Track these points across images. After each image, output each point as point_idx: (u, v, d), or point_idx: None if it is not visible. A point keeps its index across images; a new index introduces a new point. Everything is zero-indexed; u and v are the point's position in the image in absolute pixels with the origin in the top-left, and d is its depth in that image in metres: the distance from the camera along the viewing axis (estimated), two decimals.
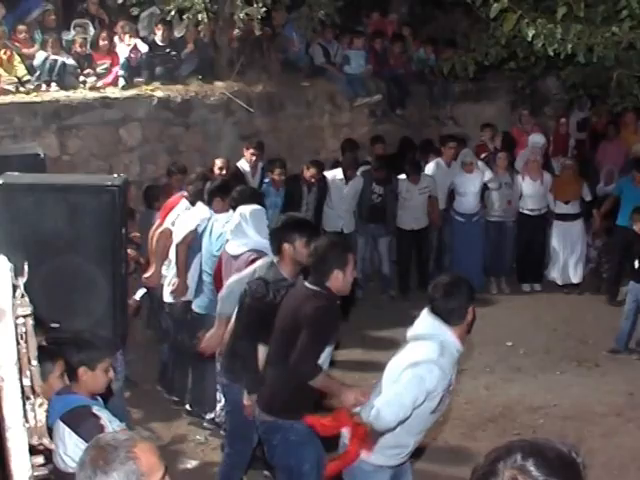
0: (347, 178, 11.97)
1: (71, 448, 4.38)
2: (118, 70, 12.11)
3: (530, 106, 15.37)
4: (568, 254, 12.63)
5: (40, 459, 2.54)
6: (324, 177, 11.85)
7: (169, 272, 8.65)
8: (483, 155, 13.30)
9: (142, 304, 9.33)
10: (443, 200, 12.84)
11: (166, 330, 9.06)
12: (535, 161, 12.71)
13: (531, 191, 12.61)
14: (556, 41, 10.37)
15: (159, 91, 12.15)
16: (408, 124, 14.77)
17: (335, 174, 12.04)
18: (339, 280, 5.66)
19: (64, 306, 5.20)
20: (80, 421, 4.45)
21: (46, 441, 2.52)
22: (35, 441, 2.51)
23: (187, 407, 8.68)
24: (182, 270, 8.38)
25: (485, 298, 11.96)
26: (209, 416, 8.21)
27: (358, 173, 12.13)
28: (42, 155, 8.10)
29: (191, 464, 7.85)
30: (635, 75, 11.33)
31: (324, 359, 5.77)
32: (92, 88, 11.80)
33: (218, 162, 10.87)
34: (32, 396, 2.47)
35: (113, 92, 11.87)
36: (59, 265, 5.16)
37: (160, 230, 8.77)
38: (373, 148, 13.19)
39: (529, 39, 10.50)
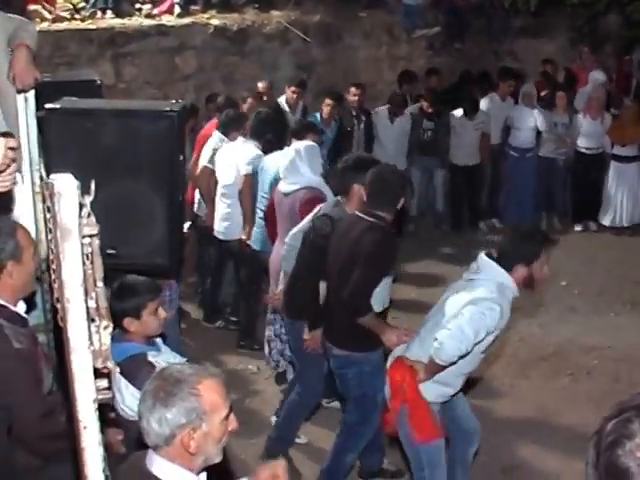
0: (393, 116, 11.73)
1: (129, 399, 4.31)
2: None
3: (590, 43, 15.02)
4: (623, 196, 12.45)
5: (104, 382, 2.52)
6: (369, 113, 11.69)
7: (218, 207, 8.57)
8: (544, 93, 12.97)
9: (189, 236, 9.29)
10: (497, 135, 12.63)
11: (212, 263, 9.05)
12: (598, 99, 12.41)
13: (590, 130, 12.35)
14: None
15: (215, 19, 12.07)
16: (466, 58, 14.51)
17: (381, 111, 11.81)
18: (357, 196, 5.81)
19: (121, 232, 5.15)
20: (136, 371, 4.30)
21: (110, 364, 2.49)
22: (99, 364, 2.47)
23: (241, 342, 8.69)
24: (249, 218, 8.25)
25: None
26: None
27: (407, 112, 11.87)
28: (99, 81, 8.04)
29: (245, 393, 7.89)
30: None
31: (384, 292, 5.74)
32: (148, 15, 11.72)
33: (260, 85, 10.78)
34: (97, 318, 2.43)
35: (169, 20, 11.80)
36: (117, 190, 5.10)
37: (199, 169, 8.69)
38: (428, 81, 12.98)
39: None
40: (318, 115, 10.81)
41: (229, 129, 8.57)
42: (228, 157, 8.36)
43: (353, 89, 11.44)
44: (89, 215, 2.36)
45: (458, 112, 12.12)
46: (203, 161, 8.64)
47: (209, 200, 8.65)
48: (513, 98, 12.74)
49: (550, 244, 5.23)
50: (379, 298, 5.77)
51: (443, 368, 5.11)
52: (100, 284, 2.44)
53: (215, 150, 8.55)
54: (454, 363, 5.08)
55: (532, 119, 12.37)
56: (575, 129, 12.41)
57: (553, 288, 10.29)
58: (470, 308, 4.99)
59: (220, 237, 8.61)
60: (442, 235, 12.29)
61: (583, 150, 12.48)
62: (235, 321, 8.99)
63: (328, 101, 10.77)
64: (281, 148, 8.00)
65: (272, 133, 8.38)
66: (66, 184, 2.35)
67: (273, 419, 7.01)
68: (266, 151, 8.20)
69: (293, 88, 11.09)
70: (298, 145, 7.27)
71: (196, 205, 8.97)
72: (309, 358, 6.34)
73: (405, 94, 12.17)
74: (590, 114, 12.34)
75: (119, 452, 4.40)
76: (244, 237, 8.31)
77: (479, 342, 5.03)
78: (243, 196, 8.24)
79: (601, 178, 12.64)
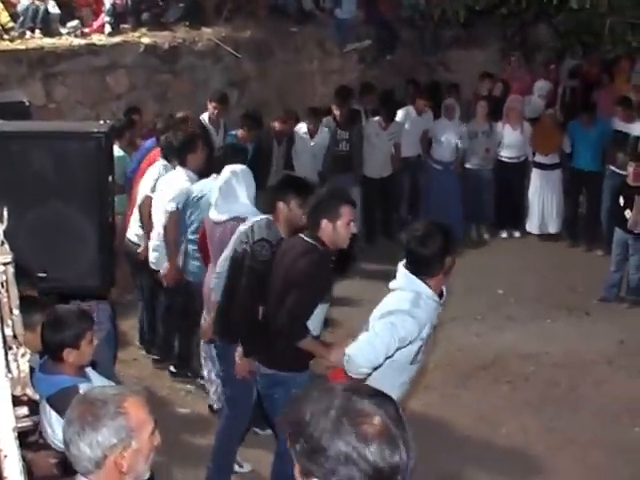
0: (311, 132, 11.54)
1: (60, 432, 4.22)
2: (104, 16, 11.93)
3: (521, 53, 15.22)
4: (547, 203, 12.64)
5: (24, 410, 2.48)
6: (292, 131, 11.52)
7: (153, 237, 8.36)
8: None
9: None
10: (414, 148, 12.68)
11: (145, 289, 8.94)
12: (515, 109, 12.63)
13: (511, 140, 12.56)
14: None
15: (146, 37, 12.01)
16: (398, 70, 14.63)
17: (301, 127, 11.63)
18: (328, 231, 5.51)
19: (51, 255, 5.11)
20: (67, 404, 4.19)
21: (29, 391, 2.46)
22: (19, 392, 2.44)
23: (171, 369, 8.55)
24: (173, 254, 8.10)
25: (470, 245, 11.97)
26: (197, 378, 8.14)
27: (322, 126, 11.65)
28: (27, 103, 7.97)
29: (181, 412, 7.83)
30: (628, 21, 11.19)
31: (318, 317, 5.71)
32: (77, 35, 11.63)
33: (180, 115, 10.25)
34: (14, 346, 2.40)
35: (99, 39, 11.71)
36: (45, 213, 5.06)
37: (142, 198, 8.50)
38: (362, 96, 12.91)
39: None
40: (235, 132, 10.57)
41: (172, 156, 8.40)
42: (163, 188, 8.20)
43: (277, 123, 11.17)
44: (2, 243, 2.33)
45: (373, 121, 12.16)
46: (146, 189, 8.47)
47: (148, 231, 8.48)
48: (433, 111, 12.84)
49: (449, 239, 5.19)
50: (316, 323, 5.71)
51: (363, 380, 5.09)
52: (16, 312, 2.40)
53: (157, 178, 8.38)
54: (368, 376, 5.05)
55: (453, 133, 12.52)
56: (496, 137, 12.58)
57: (490, 296, 10.41)
58: (381, 321, 5.00)
59: (152, 267, 8.51)
60: (359, 251, 11.56)
61: (505, 159, 12.67)
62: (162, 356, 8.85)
63: (245, 128, 10.50)
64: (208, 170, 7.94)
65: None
66: None
67: None
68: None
69: (214, 104, 10.77)
70: (234, 168, 7.09)
71: (131, 231, 8.81)
72: (240, 383, 6.24)
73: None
74: (510, 124, 12.53)
75: (52, 474, 4.33)
76: (161, 272, 8.22)
77: (395, 352, 5.00)
78: (167, 232, 8.07)
79: (523, 186, 12.84)
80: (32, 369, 3.46)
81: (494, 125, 12.62)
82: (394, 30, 14.58)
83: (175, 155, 8.30)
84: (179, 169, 8.17)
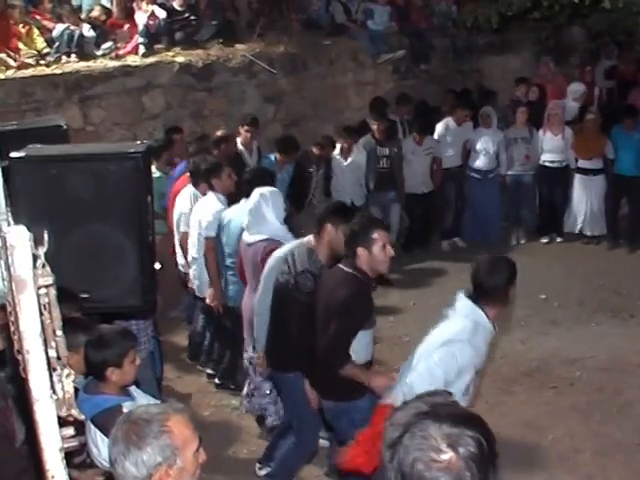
0: (345, 151, 11.52)
1: (105, 452, 4.24)
2: (137, 38, 12.06)
3: (556, 56, 15.15)
4: (588, 208, 12.55)
5: (70, 430, 2.50)
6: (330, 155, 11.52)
7: (192, 263, 8.49)
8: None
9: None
10: (457, 158, 12.63)
11: (202, 307, 8.99)
12: (556, 115, 12.53)
13: (552, 146, 12.46)
14: None
15: (180, 57, 12.12)
16: (433, 79, 14.62)
17: (335, 150, 11.58)
18: (365, 258, 5.55)
19: (92, 276, 5.16)
20: (111, 424, 4.17)
21: (75, 412, 2.48)
22: (64, 412, 2.47)
23: (216, 381, 8.64)
24: (215, 280, 8.13)
25: (510, 251, 11.90)
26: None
27: (359, 145, 11.66)
28: (64, 126, 8.05)
29: (228, 429, 7.85)
30: None
31: (365, 343, 5.72)
32: (112, 57, 11.76)
33: (219, 133, 10.44)
34: (58, 367, 2.43)
35: (134, 60, 11.84)
36: (85, 235, 5.11)
37: (181, 235, 8.63)
38: (399, 107, 12.95)
39: None
40: (272, 156, 10.58)
41: (199, 180, 8.49)
42: (197, 216, 8.28)
43: (315, 149, 11.23)
44: (44, 266, 2.37)
45: (408, 138, 12.20)
46: (182, 225, 8.59)
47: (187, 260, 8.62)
48: (472, 121, 12.80)
49: (514, 271, 5.21)
50: (361, 352, 5.71)
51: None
52: (59, 333, 2.43)
53: (188, 212, 8.47)
54: None
55: (494, 139, 12.47)
56: (536, 143, 12.52)
57: (533, 302, 10.33)
58: (441, 349, 5.00)
59: (197, 294, 8.60)
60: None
61: (547, 164, 12.58)
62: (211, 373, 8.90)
63: (279, 151, 10.51)
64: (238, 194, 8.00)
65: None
66: (18, 236, 2.36)
67: (257, 466, 7.00)
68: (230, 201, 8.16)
69: (246, 127, 10.74)
70: (263, 190, 7.18)
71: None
72: (304, 411, 6.26)
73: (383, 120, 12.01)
74: (551, 130, 12.45)
75: None
76: (208, 300, 8.27)
77: (451, 382, 4.98)
78: (207, 260, 8.12)
79: (565, 191, 12.73)
80: (77, 390, 3.51)
81: (534, 131, 12.57)
82: (427, 39, 14.58)
83: (202, 179, 8.38)
84: (210, 194, 8.25)
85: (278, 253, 6.38)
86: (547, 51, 15.40)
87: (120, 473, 2.97)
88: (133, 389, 4.78)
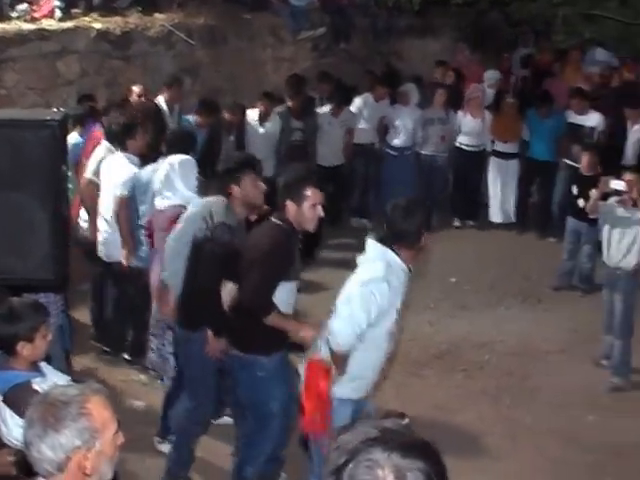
0: (263, 116, 11.47)
1: (15, 430, 4.12)
2: (54, 0, 11.73)
3: (475, 42, 15.26)
4: (503, 192, 12.76)
5: None
6: (243, 121, 11.44)
7: (101, 226, 8.28)
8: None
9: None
10: (369, 134, 12.70)
11: (96, 278, 8.83)
12: (476, 98, 12.73)
13: (470, 128, 12.65)
14: None
15: (97, 23, 11.80)
16: (352, 58, 14.58)
17: (251, 114, 11.54)
18: (293, 212, 5.57)
19: (3, 246, 5.02)
20: (21, 401, 4.05)
21: None
22: None
23: (125, 356, 8.49)
24: (127, 240, 8.00)
25: None
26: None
27: (275, 113, 11.57)
28: None
29: (137, 405, 7.73)
30: (581, 13, 11.27)
31: (286, 296, 5.71)
32: (27, 20, 11.42)
33: (136, 89, 10.55)
34: None
35: (50, 24, 11.49)
36: None
37: (84, 182, 8.44)
38: (319, 85, 12.85)
39: None
40: (191, 118, 10.55)
41: (115, 139, 8.29)
42: (107, 173, 8.12)
43: (226, 113, 11.13)
44: None
45: (325, 109, 12.12)
46: (88, 173, 8.37)
47: (93, 217, 8.37)
48: (391, 99, 12.84)
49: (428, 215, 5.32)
50: (284, 302, 5.71)
51: (345, 357, 5.14)
52: None
53: (101, 161, 8.27)
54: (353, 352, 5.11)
55: (409, 118, 12.54)
56: (453, 125, 12.64)
57: (443, 285, 10.43)
58: (359, 290, 5.11)
59: (103, 258, 8.41)
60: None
61: (463, 147, 12.77)
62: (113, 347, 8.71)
63: (200, 113, 10.49)
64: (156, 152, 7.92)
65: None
66: None
67: (156, 439, 6.95)
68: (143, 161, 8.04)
69: (169, 87, 10.83)
70: (172, 159, 7.20)
71: (81, 220, 8.70)
72: (202, 373, 6.21)
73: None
74: (470, 112, 12.60)
75: (10, 474, 4.24)
76: (123, 261, 8.10)
77: (377, 325, 5.11)
78: (119, 218, 7.99)
79: (479, 175, 12.94)
80: None
81: (450, 113, 12.66)
82: (349, 18, 14.52)
83: (116, 140, 8.23)
84: (119, 154, 8.12)
85: (195, 209, 6.33)
86: (466, 37, 15.51)
87: (35, 456, 2.86)
88: (43, 365, 4.65)
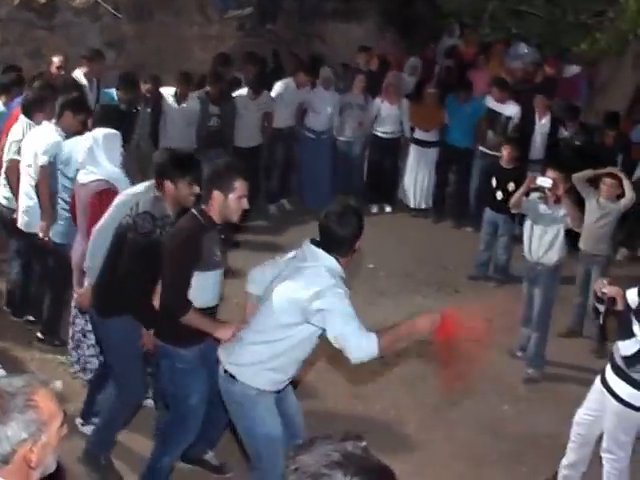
0: (180, 97, 11.40)
1: None
2: None
3: (400, 30, 15.36)
4: (422, 178, 12.96)
5: None
6: (160, 94, 11.35)
7: (20, 199, 8.16)
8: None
9: None
10: (288, 119, 12.66)
11: (17, 251, 8.67)
12: (395, 85, 12.84)
13: (387, 114, 12.75)
14: None
15: None
16: (277, 40, 14.56)
17: (167, 91, 11.45)
18: (219, 202, 5.49)
19: None
20: None
21: None
22: None
23: (39, 335, 8.31)
24: (47, 212, 7.86)
25: None
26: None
27: (194, 95, 11.53)
28: None
29: (57, 384, 7.59)
30: (509, 8, 11.42)
31: (212, 286, 5.68)
32: None
33: (56, 60, 10.38)
34: None
35: None
36: None
37: (7, 163, 8.30)
38: (245, 66, 12.75)
39: None
40: (114, 92, 10.45)
41: (32, 111, 8.18)
42: (30, 145, 7.96)
43: (142, 85, 11.04)
44: None
45: (242, 92, 12.06)
46: (10, 153, 8.23)
47: (17, 194, 8.23)
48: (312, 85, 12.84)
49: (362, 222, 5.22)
50: (208, 292, 5.67)
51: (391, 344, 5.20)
52: None
53: (21, 139, 8.13)
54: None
55: (328, 102, 12.60)
56: (370, 112, 12.73)
57: (360, 271, 10.47)
58: (329, 301, 4.92)
59: (23, 229, 8.26)
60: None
61: (380, 134, 12.88)
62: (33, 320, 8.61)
63: (120, 88, 10.39)
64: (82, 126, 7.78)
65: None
66: None
67: (78, 421, 6.87)
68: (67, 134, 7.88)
69: (89, 61, 10.72)
70: (97, 133, 7.04)
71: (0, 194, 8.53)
72: (128, 357, 6.15)
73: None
74: (388, 99, 12.69)
75: None
76: (40, 233, 7.95)
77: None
78: (40, 187, 7.86)
79: (395, 162, 13.10)
80: None
81: (369, 99, 12.73)
82: None
83: (36, 109, 8.13)
84: (45, 123, 7.98)
85: (122, 197, 6.27)
86: (391, 23, 15.59)
87: None
88: None
